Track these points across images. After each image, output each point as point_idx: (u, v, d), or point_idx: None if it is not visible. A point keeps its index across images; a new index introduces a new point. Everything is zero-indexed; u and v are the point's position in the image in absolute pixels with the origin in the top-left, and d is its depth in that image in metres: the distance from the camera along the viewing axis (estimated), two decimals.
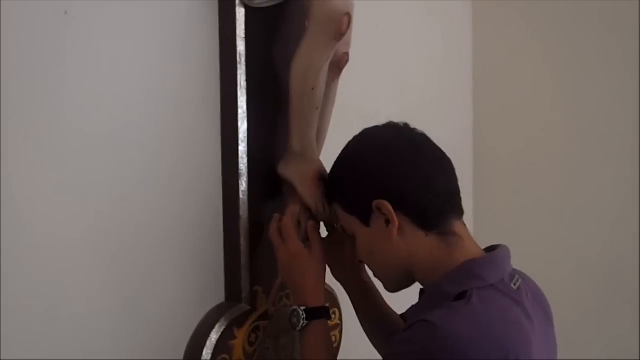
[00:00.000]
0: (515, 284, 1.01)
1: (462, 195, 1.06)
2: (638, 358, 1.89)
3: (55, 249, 1.00)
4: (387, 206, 1.01)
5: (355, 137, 1.10)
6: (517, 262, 1.06)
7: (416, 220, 1.02)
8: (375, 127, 1.09)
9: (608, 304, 1.97)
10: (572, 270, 2.00)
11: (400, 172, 1.02)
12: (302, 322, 1.10)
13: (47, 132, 0.98)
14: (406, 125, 1.07)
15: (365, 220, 1.05)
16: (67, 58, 0.99)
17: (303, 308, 1.11)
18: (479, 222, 1.98)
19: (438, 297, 0.98)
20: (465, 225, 1.06)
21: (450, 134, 1.92)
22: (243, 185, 1.21)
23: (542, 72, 2.06)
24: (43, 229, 0.98)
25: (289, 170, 1.20)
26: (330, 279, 1.23)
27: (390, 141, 1.05)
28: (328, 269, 1.20)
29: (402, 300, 1.11)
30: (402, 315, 1.07)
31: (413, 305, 1.04)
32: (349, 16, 1.11)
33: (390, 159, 1.03)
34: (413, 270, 1.05)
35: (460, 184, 1.07)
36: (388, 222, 1.02)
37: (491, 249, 1.05)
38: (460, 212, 1.05)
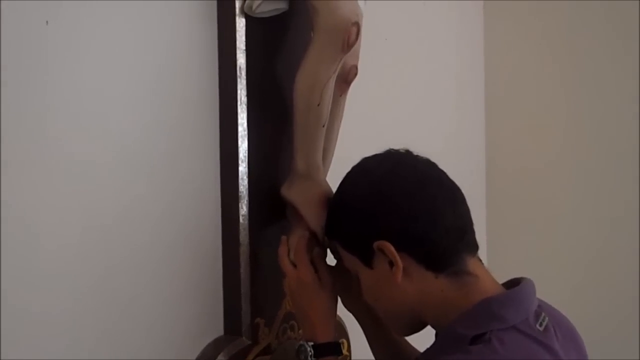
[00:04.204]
0: (541, 324, 0.93)
1: (475, 224, 0.99)
2: (638, 358, 1.87)
3: (44, 270, 0.95)
4: (389, 247, 0.94)
5: (352, 170, 1.04)
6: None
7: (423, 261, 0.95)
8: (374, 157, 1.03)
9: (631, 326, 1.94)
10: (591, 299, 1.98)
11: (402, 209, 0.95)
12: (309, 359, 1.04)
13: (29, 147, 0.93)
14: (408, 153, 1.01)
15: (368, 262, 0.98)
16: (49, 71, 0.95)
17: (311, 344, 1.05)
18: (492, 251, 1.94)
19: (452, 339, 0.91)
20: (480, 260, 0.98)
21: (462, 154, 1.96)
22: (243, 208, 1.17)
23: (555, 95, 2.07)
24: (29, 250, 0.93)
25: (293, 193, 1.15)
26: (340, 308, 1.18)
27: (390, 174, 0.98)
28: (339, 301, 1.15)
29: (420, 336, 1.05)
30: (416, 359, 1.00)
31: (427, 348, 0.97)
32: (357, 26, 1.07)
33: (390, 194, 0.96)
34: (423, 315, 0.98)
35: (472, 214, 0.99)
36: (392, 264, 0.95)
37: (512, 283, 0.98)
38: (473, 248, 0.98)
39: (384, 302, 1.01)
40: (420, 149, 1.03)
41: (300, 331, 1.21)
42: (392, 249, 0.94)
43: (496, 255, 1.87)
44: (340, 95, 1.17)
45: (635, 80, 1.90)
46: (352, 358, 1.36)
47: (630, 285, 1.94)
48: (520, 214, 2.11)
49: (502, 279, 1.00)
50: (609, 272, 1.98)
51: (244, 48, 1.15)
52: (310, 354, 1.04)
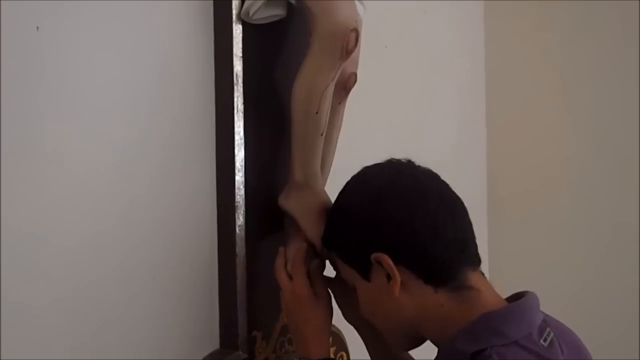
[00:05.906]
0: (545, 339, 0.90)
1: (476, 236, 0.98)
2: (638, 358, 1.88)
3: (39, 275, 0.93)
4: (387, 260, 0.92)
5: (351, 179, 1.03)
6: None
7: (422, 274, 0.93)
8: (374, 167, 1.01)
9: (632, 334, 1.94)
10: (593, 309, 1.98)
11: (401, 220, 0.93)
12: None
13: (23, 153, 0.91)
14: (409, 163, 1.00)
15: (365, 274, 0.97)
16: (40, 79, 0.93)
17: None
18: (494, 263, 1.92)
19: (451, 356, 0.89)
20: (483, 274, 0.96)
21: (463, 164, 1.94)
22: (240, 219, 1.15)
23: (558, 103, 2.06)
24: (20, 257, 0.91)
25: (291, 203, 1.14)
26: (340, 320, 1.17)
27: (389, 185, 0.97)
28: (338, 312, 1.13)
29: (426, 348, 1.03)
30: None
31: None
32: (356, 32, 1.05)
33: (389, 206, 0.95)
34: (422, 330, 0.96)
35: (473, 226, 0.98)
36: (389, 277, 0.93)
37: (516, 297, 0.95)
38: (475, 261, 0.96)
39: (382, 316, 0.99)
40: (421, 159, 1.01)
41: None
42: (390, 261, 0.92)
43: (498, 267, 1.86)
44: (339, 103, 1.16)
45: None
46: None
47: (632, 295, 1.93)
48: (523, 225, 2.10)
49: (503, 291, 0.98)
50: (611, 282, 1.97)
51: (241, 55, 1.13)
52: None
